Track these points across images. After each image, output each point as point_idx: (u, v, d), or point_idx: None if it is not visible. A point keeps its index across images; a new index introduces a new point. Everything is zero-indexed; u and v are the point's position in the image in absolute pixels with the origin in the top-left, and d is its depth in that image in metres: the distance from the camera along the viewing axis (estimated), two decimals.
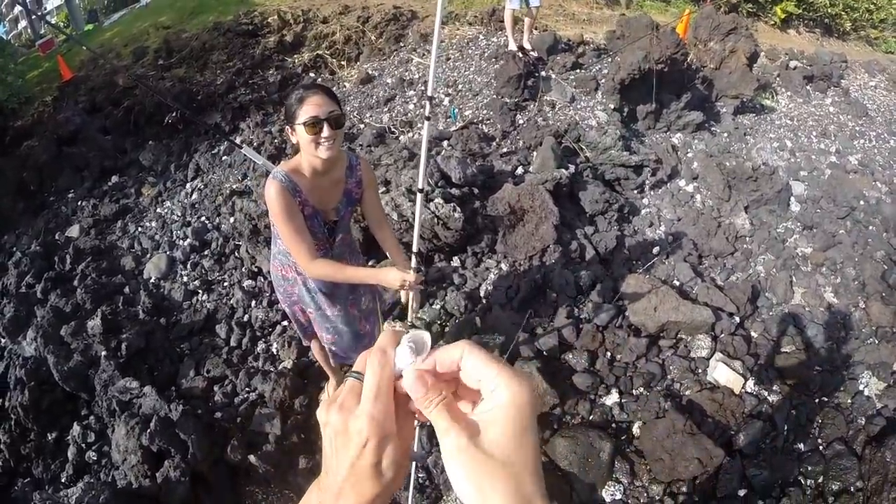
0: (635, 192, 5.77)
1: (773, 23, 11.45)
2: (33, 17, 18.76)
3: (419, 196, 2.51)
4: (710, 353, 4.21)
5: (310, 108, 2.33)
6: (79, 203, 6.55)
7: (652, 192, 5.85)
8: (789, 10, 11.42)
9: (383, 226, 2.81)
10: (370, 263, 4.74)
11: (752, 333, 4.50)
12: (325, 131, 2.35)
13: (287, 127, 2.47)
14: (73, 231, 6.03)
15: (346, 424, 0.62)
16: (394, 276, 2.45)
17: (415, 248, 2.48)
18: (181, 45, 9.09)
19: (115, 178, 6.88)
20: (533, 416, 0.59)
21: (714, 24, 8.21)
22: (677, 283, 4.79)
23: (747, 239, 5.41)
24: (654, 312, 4.26)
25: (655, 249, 5.17)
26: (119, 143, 7.38)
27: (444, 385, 0.64)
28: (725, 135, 6.77)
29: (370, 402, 0.62)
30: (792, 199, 5.91)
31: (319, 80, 7.72)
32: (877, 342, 4.53)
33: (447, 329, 4.27)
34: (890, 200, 6.18)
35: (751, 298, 4.69)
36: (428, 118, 2.37)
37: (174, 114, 7.03)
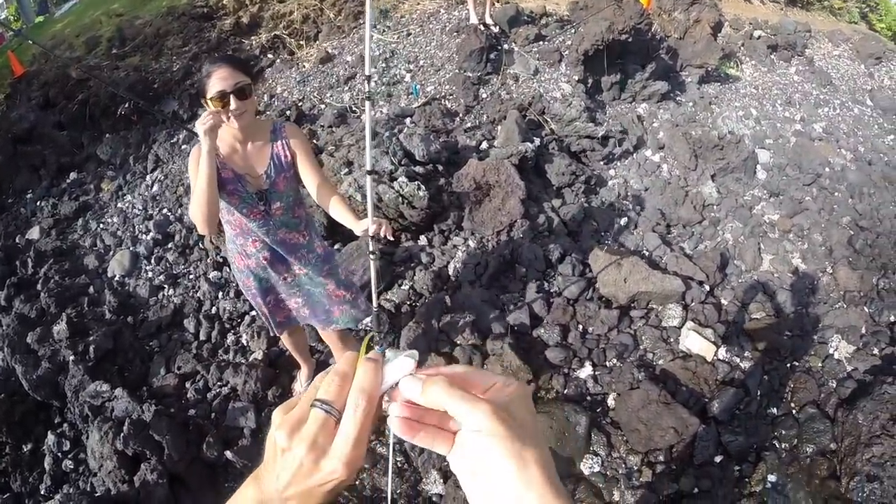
0: (602, 163, 5.70)
1: None
2: None
3: (368, 179, 2.42)
4: (681, 322, 4.18)
5: (216, 81, 2.32)
6: (37, 203, 6.34)
7: (618, 163, 5.80)
8: None
9: (325, 190, 2.66)
10: (336, 247, 4.61)
11: (723, 301, 4.49)
12: (233, 104, 2.35)
13: (202, 101, 2.45)
14: (34, 233, 5.82)
15: (318, 463, 0.59)
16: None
17: (371, 232, 2.43)
18: (135, 33, 8.75)
19: (73, 175, 6.66)
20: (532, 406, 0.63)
21: None
22: (646, 254, 4.76)
23: (715, 207, 5.39)
24: (623, 284, 4.21)
25: (623, 220, 5.13)
26: (76, 138, 7.12)
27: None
28: (691, 104, 6.74)
29: (349, 448, 0.59)
30: (758, 167, 5.91)
31: (278, 61, 7.52)
32: (845, 306, 4.55)
33: (417, 309, 4.16)
34: (854, 167, 6.22)
35: (720, 266, 4.68)
36: (368, 98, 2.31)
37: (127, 105, 6.80)
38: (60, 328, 4.24)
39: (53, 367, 4.07)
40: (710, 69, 7.18)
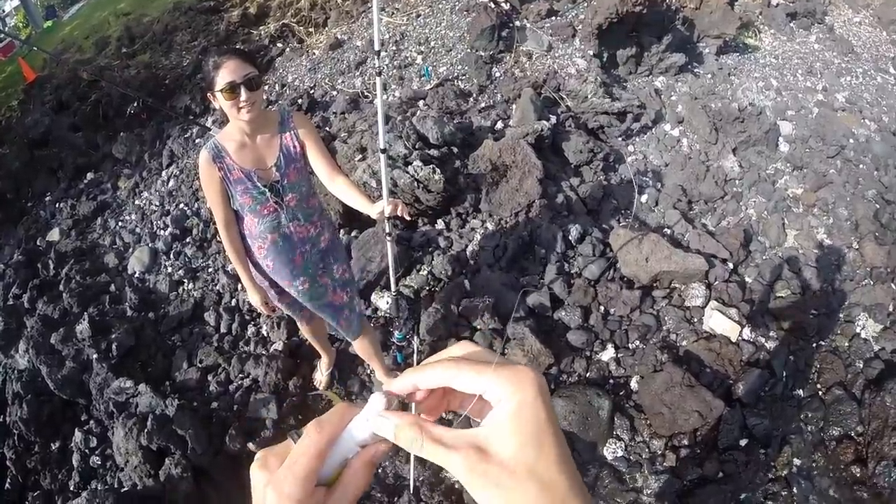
0: (620, 139, 5.57)
1: None
2: None
3: (382, 157, 2.37)
4: (704, 302, 4.11)
5: (225, 73, 2.32)
6: (56, 205, 6.45)
7: (637, 139, 5.67)
8: None
9: (336, 177, 2.64)
10: (353, 234, 4.57)
11: (747, 279, 4.41)
12: (243, 95, 2.35)
13: (209, 94, 2.46)
14: (54, 234, 5.94)
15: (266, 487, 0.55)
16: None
17: (387, 213, 2.46)
18: (143, 31, 8.83)
19: (90, 175, 6.74)
20: (547, 411, 0.51)
21: None
22: (668, 232, 4.67)
23: (737, 182, 5.26)
24: (645, 263, 4.13)
25: (644, 198, 5.02)
26: (91, 139, 7.18)
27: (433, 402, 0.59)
28: (709, 76, 6.56)
29: (285, 471, 0.54)
30: (780, 139, 5.75)
31: (288, 49, 7.45)
32: (872, 283, 4.44)
33: (436, 293, 4.11)
34: (879, 138, 6.04)
35: (743, 243, 4.58)
36: (378, 73, 2.32)
37: (136, 104, 6.88)
38: (83, 327, 4.32)
39: (78, 366, 4.15)
40: (727, 39, 6.97)
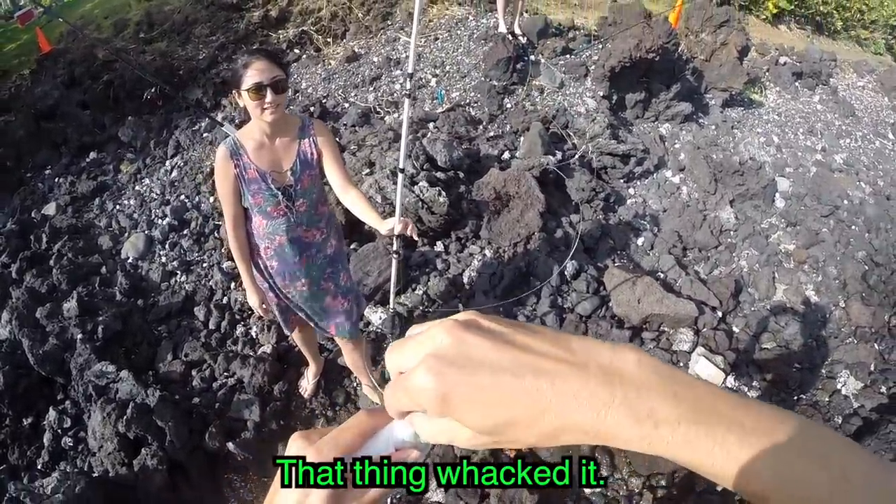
0: (622, 181, 5.70)
1: (764, 17, 11.39)
2: None
3: (400, 176, 2.44)
4: (692, 347, 4.19)
5: (254, 73, 2.38)
6: (56, 180, 6.36)
7: (638, 182, 5.80)
8: (781, 6, 11.37)
9: (349, 189, 2.70)
10: (352, 247, 4.63)
11: (734, 328, 4.51)
12: (269, 96, 2.40)
13: (234, 92, 2.52)
14: (50, 209, 5.84)
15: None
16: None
17: (397, 231, 2.52)
18: (163, 18, 8.79)
19: (93, 154, 6.66)
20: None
21: (707, 16, 8.12)
22: (661, 275, 4.76)
23: (732, 233, 5.39)
24: (637, 304, 4.22)
25: (640, 240, 5.13)
26: (98, 119, 7.13)
27: None
28: (713, 127, 6.72)
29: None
30: (777, 194, 5.89)
31: (304, 56, 7.55)
32: (855, 342, 4.55)
33: (429, 315, 4.18)
34: (873, 201, 6.19)
35: (733, 293, 4.68)
36: (409, 95, 2.36)
37: (154, 90, 6.81)
38: (71, 306, 4.25)
39: (61, 344, 4.05)
40: (734, 93, 7.15)
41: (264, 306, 2.99)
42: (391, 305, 3.23)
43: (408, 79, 2.42)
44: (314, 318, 3.09)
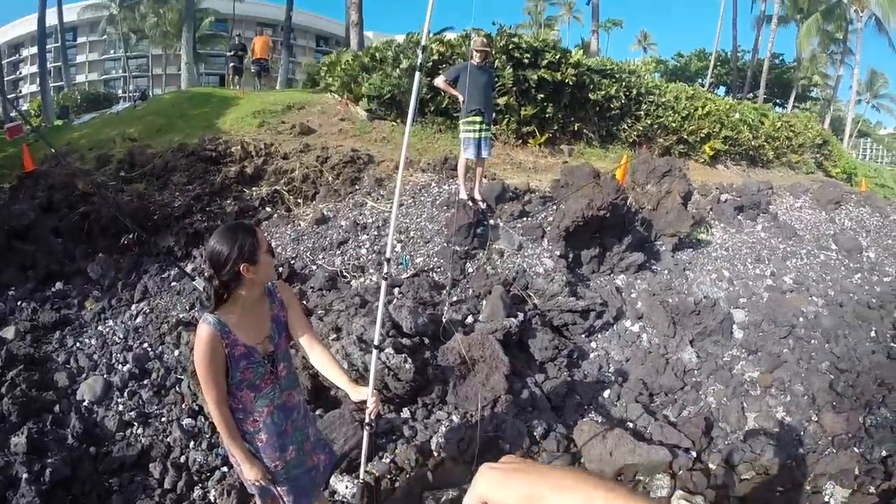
0: (583, 336, 5.98)
1: (702, 160, 12.42)
2: (6, 98, 17.87)
3: (374, 353, 2.61)
4: (670, 492, 4.25)
5: (261, 237, 2.46)
6: (18, 303, 6.16)
7: (600, 335, 6.08)
8: (717, 148, 12.48)
9: (314, 342, 2.73)
10: (318, 412, 4.50)
11: (711, 465, 4.58)
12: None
13: (243, 265, 2.42)
14: (9, 332, 5.62)
15: None
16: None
17: (370, 405, 2.65)
18: (144, 161, 9.02)
19: (59, 285, 6.54)
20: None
21: (650, 168, 8.89)
22: (630, 424, 4.89)
23: (695, 372, 5.60)
24: (609, 457, 4.34)
25: (606, 393, 5.31)
26: (69, 249, 7.10)
27: None
28: (666, 272, 7.15)
29: None
30: (734, 326, 6.19)
31: (275, 215, 7.78)
32: (835, 451, 4.64)
33: (397, 484, 4.18)
34: (827, 312, 6.50)
35: (705, 431, 4.80)
36: (385, 278, 2.57)
37: (131, 236, 6.87)
38: (19, 441, 3.99)
39: (3, 480, 3.76)
40: (682, 237, 7.67)
41: (266, 476, 2.77)
42: (361, 477, 3.29)
43: (385, 263, 2.65)
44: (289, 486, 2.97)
